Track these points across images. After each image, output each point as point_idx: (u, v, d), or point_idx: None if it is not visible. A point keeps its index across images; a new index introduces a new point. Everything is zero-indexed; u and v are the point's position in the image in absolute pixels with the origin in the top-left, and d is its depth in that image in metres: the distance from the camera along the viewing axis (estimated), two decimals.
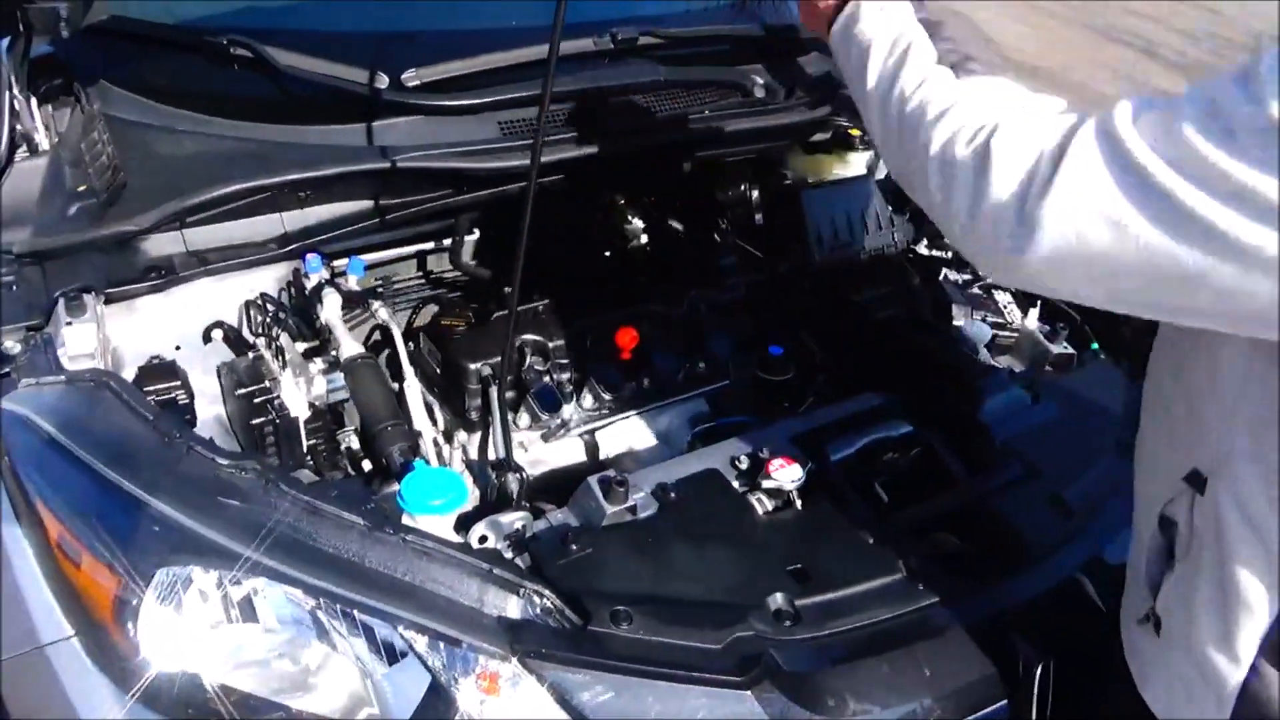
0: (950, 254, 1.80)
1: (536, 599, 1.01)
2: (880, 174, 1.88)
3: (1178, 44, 6.10)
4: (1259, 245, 0.64)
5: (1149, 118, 0.70)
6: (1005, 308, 1.68)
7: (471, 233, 1.59)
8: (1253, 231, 0.64)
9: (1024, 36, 6.08)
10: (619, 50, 1.63)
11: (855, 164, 1.87)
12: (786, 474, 1.20)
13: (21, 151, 1.36)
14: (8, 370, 1.14)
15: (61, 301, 1.21)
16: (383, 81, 1.45)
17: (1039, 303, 1.66)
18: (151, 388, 1.20)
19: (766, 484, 1.19)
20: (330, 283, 1.38)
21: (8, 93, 1.35)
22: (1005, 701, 1.07)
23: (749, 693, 0.99)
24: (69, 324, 1.18)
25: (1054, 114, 0.79)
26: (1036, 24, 6.27)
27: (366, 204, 1.46)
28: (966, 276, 1.78)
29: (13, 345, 1.17)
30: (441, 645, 0.97)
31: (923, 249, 1.81)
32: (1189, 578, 0.84)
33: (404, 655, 0.99)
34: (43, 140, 1.38)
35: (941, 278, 1.74)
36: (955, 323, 1.61)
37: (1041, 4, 6.44)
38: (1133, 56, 5.87)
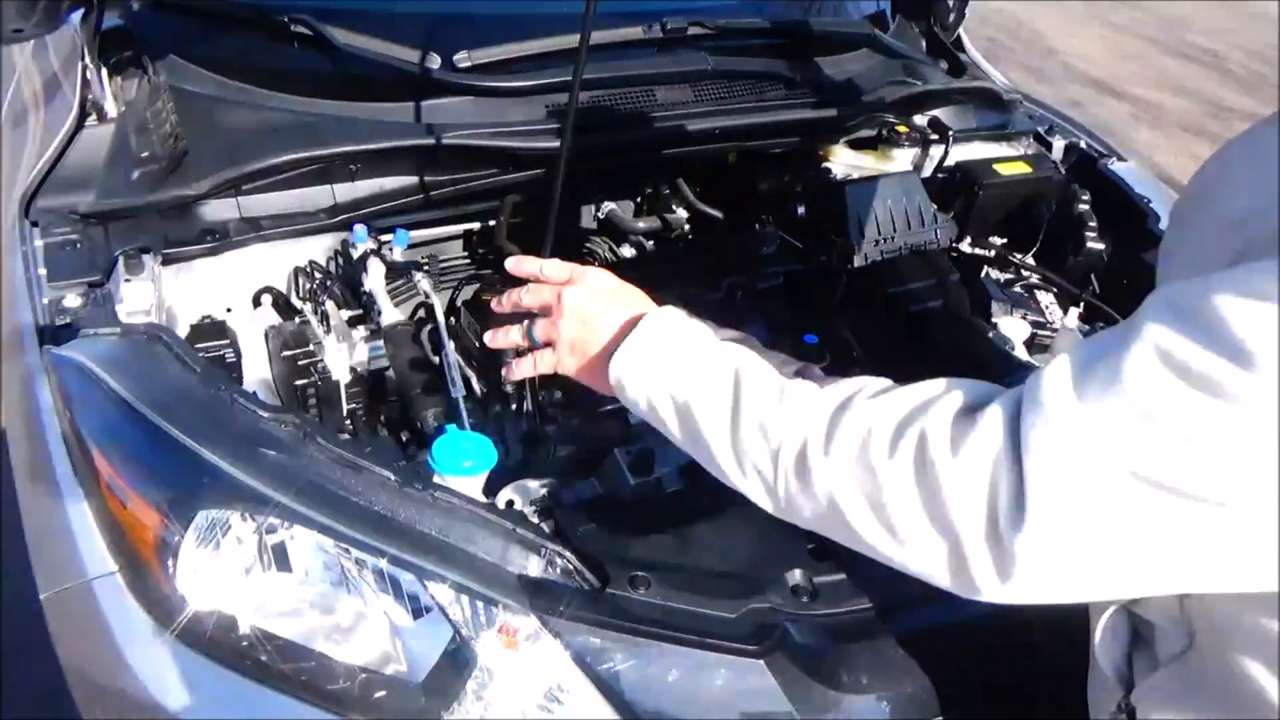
0: (993, 252, 1.79)
1: (557, 560, 1.03)
2: (926, 171, 1.88)
3: (1241, 59, 5.95)
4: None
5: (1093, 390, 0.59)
6: (1047, 307, 1.67)
7: (515, 214, 1.63)
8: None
9: (1086, 48, 5.99)
10: (668, 39, 1.65)
11: (900, 160, 1.88)
12: None
13: (91, 119, 1.43)
14: (69, 321, 1.20)
15: (121, 260, 1.26)
16: (435, 62, 1.49)
17: (1080, 303, 1.65)
18: (202, 345, 1.25)
19: None
20: (375, 253, 1.43)
21: (80, 62, 1.42)
22: (1018, 694, 1.07)
23: (762, 663, 1.00)
24: (127, 281, 1.24)
25: (959, 408, 0.66)
26: (1099, 35, 6.17)
27: (413, 180, 1.50)
28: (1009, 275, 1.77)
29: (74, 299, 1.23)
30: (464, 599, 1.00)
31: (965, 246, 1.81)
32: (1179, 675, 0.74)
33: (428, 610, 1.02)
34: (111, 109, 1.45)
35: (983, 275, 1.73)
36: (995, 319, 1.61)
37: (1107, 17, 6.34)
38: (1197, 71, 5.75)
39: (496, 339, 0.99)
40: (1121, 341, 0.59)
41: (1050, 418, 0.60)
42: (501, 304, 0.97)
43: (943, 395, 0.68)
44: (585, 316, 0.89)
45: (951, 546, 0.64)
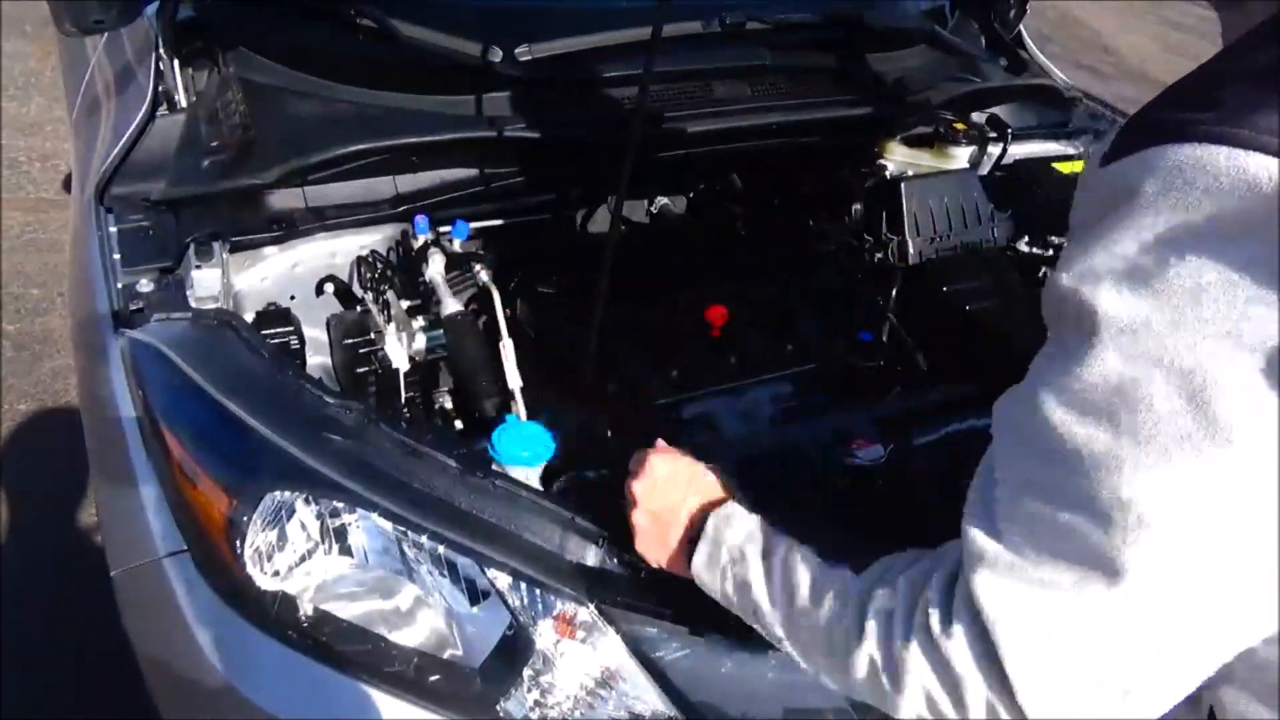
0: (1051, 251, 1.77)
1: (615, 549, 1.04)
2: (984, 169, 1.86)
3: None
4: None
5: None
6: None
7: (576, 205, 1.64)
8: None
9: (1143, 46, 5.87)
10: (727, 33, 1.65)
11: (957, 158, 1.86)
12: (868, 453, 1.20)
13: (163, 109, 1.46)
14: (142, 306, 1.23)
15: (192, 247, 1.29)
16: (496, 55, 1.50)
17: None
18: (268, 331, 1.28)
19: (847, 461, 1.20)
20: (436, 244, 1.45)
21: (154, 53, 1.46)
22: None
23: None
24: (198, 267, 1.27)
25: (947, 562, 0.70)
26: (1157, 34, 6.04)
27: (474, 172, 1.52)
28: None
29: (147, 284, 1.26)
30: (523, 585, 1.02)
31: (1023, 246, 1.78)
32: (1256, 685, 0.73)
33: (486, 595, 1.04)
34: (182, 99, 1.48)
35: (1041, 274, 1.71)
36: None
37: (1162, 13, 6.20)
38: None
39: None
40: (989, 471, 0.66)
41: (981, 572, 0.63)
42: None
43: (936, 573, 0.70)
44: (652, 511, 0.95)
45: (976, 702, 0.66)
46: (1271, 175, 0.50)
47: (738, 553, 0.86)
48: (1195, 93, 0.57)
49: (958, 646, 0.64)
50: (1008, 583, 0.62)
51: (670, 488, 0.95)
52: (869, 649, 0.71)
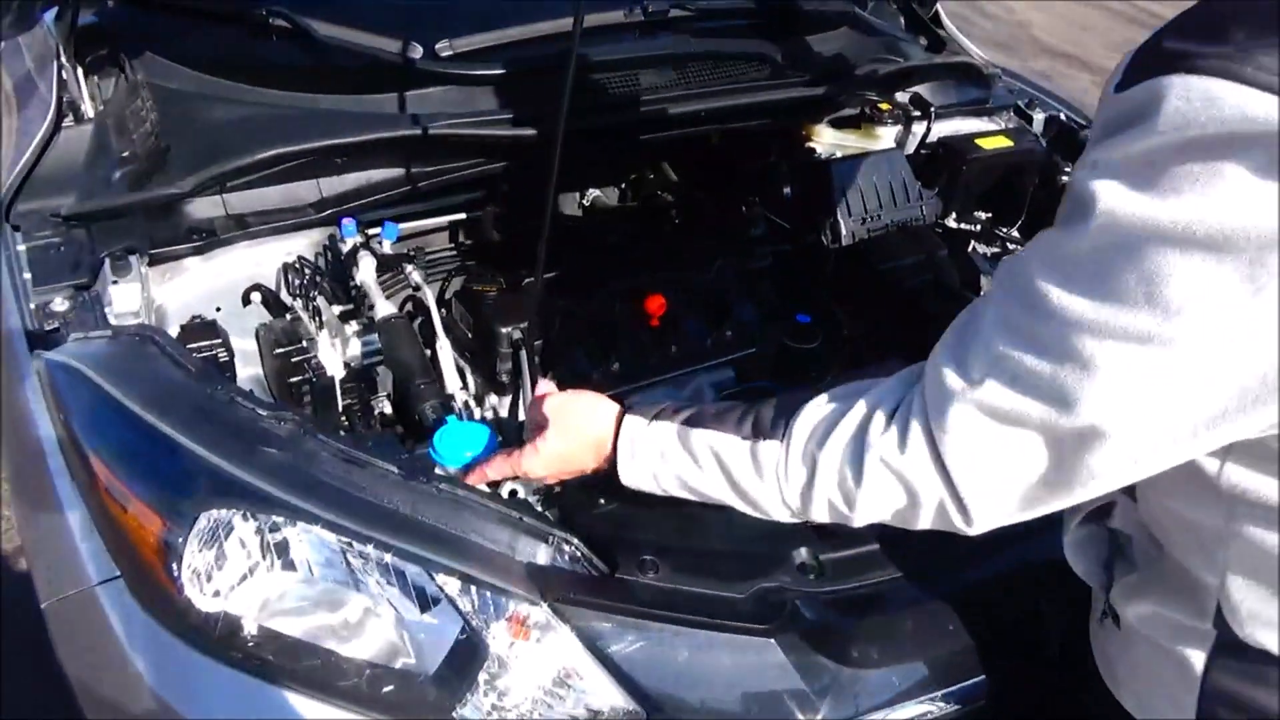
0: (978, 226, 1.80)
1: (565, 547, 1.03)
2: (909, 148, 1.89)
3: None
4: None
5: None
6: None
7: (501, 203, 1.62)
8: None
9: (1050, 22, 6.04)
10: (650, 22, 1.64)
11: (883, 138, 1.88)
12: None
13: (68, 120, 1.41)
14: (57, 325, 1.18)
15: (108, 262, 1.24)
16: (417, 51, 1.47)
17: None
18: (194, 345, 1.24)
19: None
20: (365, 246, 1.41)
21: (56, 62, 1.40)
22: (1028, 658, 1.08)
23: (773, 641, 1.01)
24: (115, 283, 1.22)
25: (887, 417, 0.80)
26: (1063, 13, 6.22)
27: (400, 172, 1.49)
28: (995, 249, 1.78)
29: (61, 303, 1.21)
30: (473, 589, 1.00)
31: (951, 222, 1.82)
32: (1149, 574, 0.85)
33: (436, 602, 1.02)
34: (88, 108, 1.42)
35: (970, 249, 1.74)
36: (983, 292, 1.62)
37: None
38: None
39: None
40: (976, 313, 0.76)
41: (946, 402, 0.75)
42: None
43: (872, 412, 0.82)
44: (557, 456, 1.02)
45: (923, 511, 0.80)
46: (1270, 112, 0.55)
47: (657, 455, 0.94)
48: (1205, 26, 0.62)
49: (912, 464, 0.77)
50: (968, 410, 0.73)
51: (570, 418, 1.01)
52: (824, 489, 0.83)
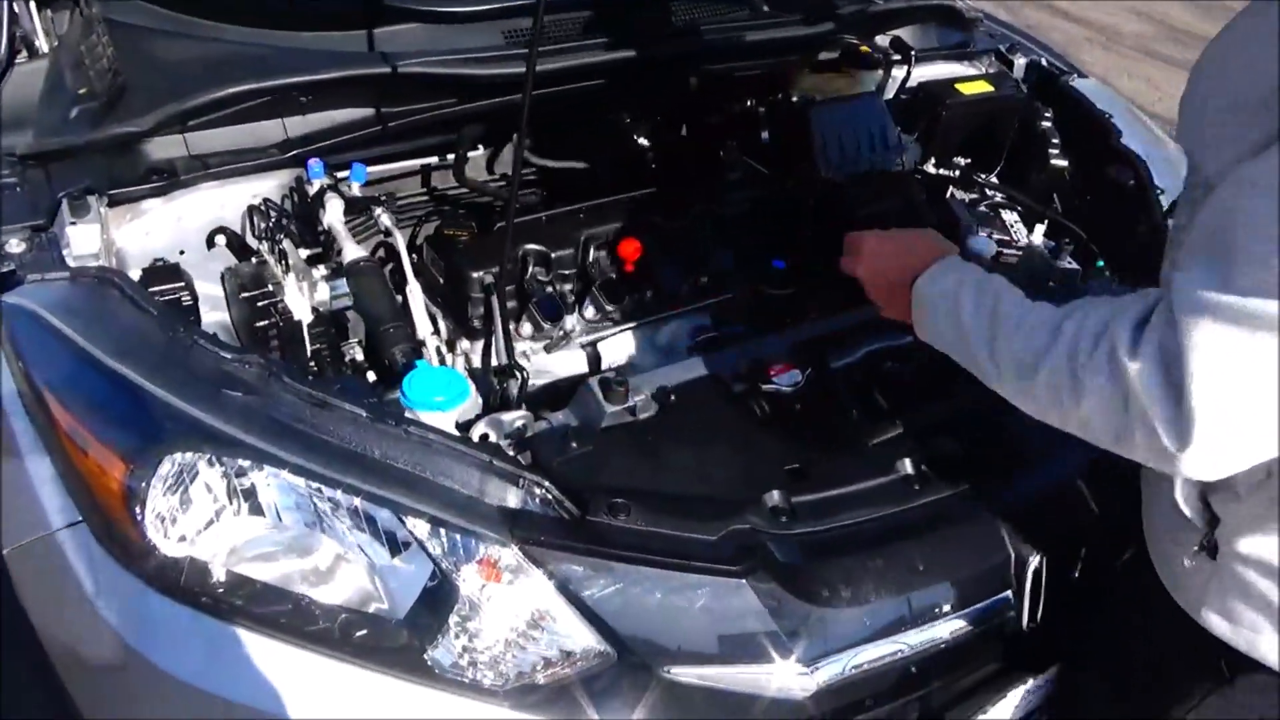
0: (957, 172, 1.79)
1: (536, 490, 1.02)
2: (889, 92, 1.86)
3: None
4: None
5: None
6: (1011, 225, 1.67)
7: (474, 145, 1.58)
8: None
9: None
10: None
11: (864, 81, 1.85)
12: (786, 378, 1.21)
13: (21, 55, 1.36)
14: (13, 267, 1.15)
15: (65, 202, 1.21)
16: None
17: (1045, 220, 1.65)
18: (156, 288, 1.21)
19: (766, 388, 1.20)
20: (333, 188, 1.38)
21: None
22: (997, 597, 1.09)
23: (745, 581, 1.01)
24: (73, 224, 1.19)
25: (1135, 308, 0.79)
26: None
27: (369, 112, 1.45)
28: (973, 195, 1.77)
29: (17, 244, 1.18)
30: (443, 532, 0.99)
31: (930, 167, 1.80)
32: (1260, 501, 0.84)
33: (407, 546, 1.01)
34: (43, 44, 1.38)
35: (949, 195, 1.72)
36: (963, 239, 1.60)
37: None
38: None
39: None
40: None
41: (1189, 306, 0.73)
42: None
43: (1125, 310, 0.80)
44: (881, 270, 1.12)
45: (1142, 424, 0.76)
46: None
47: (956, 280, 0.99)
48: None
49: (1141, 372, 0.75)
50: (1215, 325, 0.71)
51: (890, 251, 1.11)
52: (1053, 364, 0.82)
